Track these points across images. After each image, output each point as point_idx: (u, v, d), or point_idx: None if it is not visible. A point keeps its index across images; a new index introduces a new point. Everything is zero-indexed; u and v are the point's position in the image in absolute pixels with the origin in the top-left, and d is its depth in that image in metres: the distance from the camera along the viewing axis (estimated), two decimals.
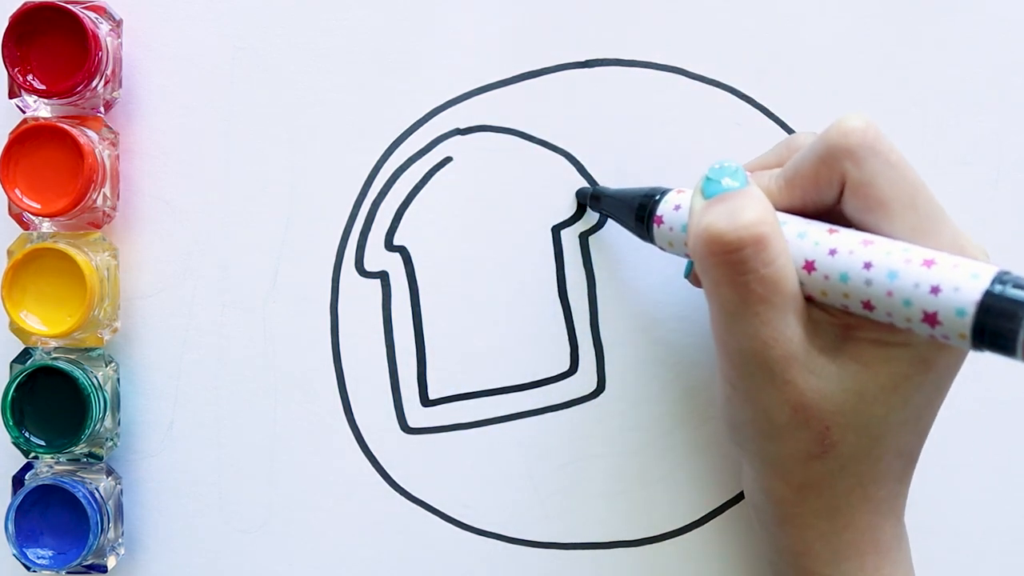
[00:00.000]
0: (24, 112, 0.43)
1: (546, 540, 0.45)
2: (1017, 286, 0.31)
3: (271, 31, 0.45)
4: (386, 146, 0.45)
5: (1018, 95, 0.45)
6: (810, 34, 0.45)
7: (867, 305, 0.33)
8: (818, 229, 0.35)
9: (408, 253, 0.45)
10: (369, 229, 0.45)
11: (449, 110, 0.45)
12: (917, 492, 0.43)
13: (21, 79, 0.42)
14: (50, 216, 0.42)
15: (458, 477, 0.45)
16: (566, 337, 0.45)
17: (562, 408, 0.45)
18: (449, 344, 0.45)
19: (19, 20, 0.42)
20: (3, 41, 0.42)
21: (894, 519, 0.37)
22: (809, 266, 0.34)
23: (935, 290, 0.32)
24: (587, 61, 0.45)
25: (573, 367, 0.45)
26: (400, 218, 0.45)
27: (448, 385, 0.45)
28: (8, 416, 0.42)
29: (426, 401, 0.45)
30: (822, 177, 0.35)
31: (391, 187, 0.45)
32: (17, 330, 0.43)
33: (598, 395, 0.45)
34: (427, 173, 0.45)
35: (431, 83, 0.45)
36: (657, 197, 0.39)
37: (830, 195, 0.35)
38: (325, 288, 0.45)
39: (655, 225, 0.39)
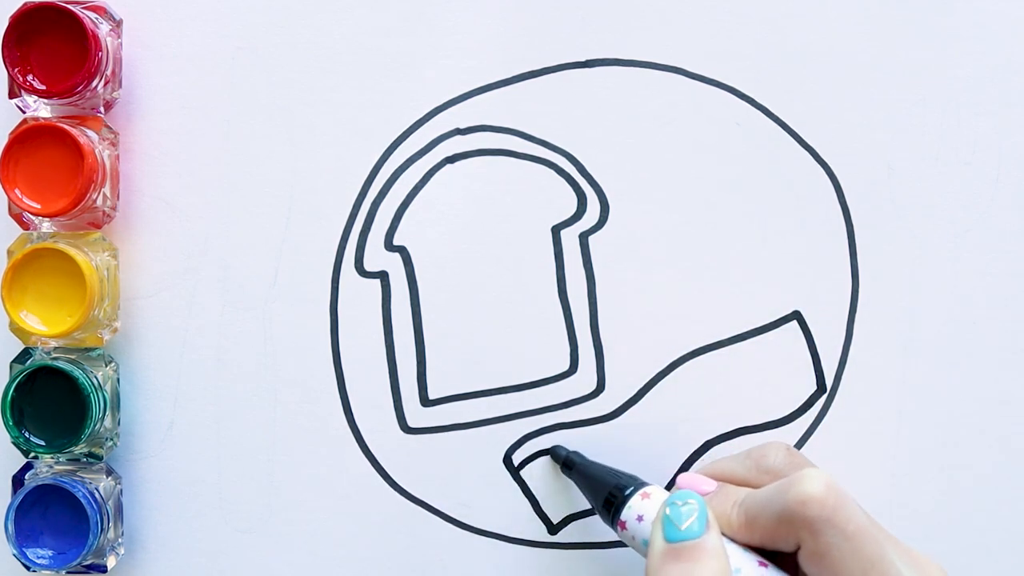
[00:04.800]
0: (24, 112, 0.43)
1: (546, 540, 0.45)
2: None
3: (271, 31, 0.44)
4: (386, 146, 0.45)
5: (1018, 95, 0.45)
6: (810, 34, 0.45)
7: None
8: None
9: (408, 253, 0.45)
10: (369, 229, 0.45)
11: (449, 110, 0.45)
12: (917, 500, 0.43)
13: (21, 79, 0.42)
14: (50, 216, 0.42)
15: (458, 477, 0.45)
16: (566, 337, 0.45)
17: (562, 408, 0.45)
18: (449, 344, 0.45)
19: (19, 20, 0.42)
20: (3, 41, 0.42)
21: None
22: None
23: None
24: (587, 61, 0.45)
25: (573, 367, 0.45)
26: (400, 218, 0.45)
27: (448, 385, 0.45)
28: (8, 416, 0.42)
29: (426, 401, 0.45)
30: (779, 535, 0.36)
31: (391, 187, 0.45)
32: (17, 330, 0.43)
33: (598, 395, 0.45)
34: (427, 173, 0.45)
35: (431, 83, 0.45)
36: (626, 493, 0.40)
37: (786, 547, 0.36)
38: (325, 288, 0.45)
39: (618, 528, 0.40)
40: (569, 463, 0.43)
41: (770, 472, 0.39)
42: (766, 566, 0.37)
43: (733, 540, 0.37)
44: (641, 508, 0.39)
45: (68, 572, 0.43)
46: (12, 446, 0.43)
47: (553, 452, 0.45)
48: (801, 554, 0.35)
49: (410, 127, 0.45)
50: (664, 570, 0.35)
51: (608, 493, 0.40)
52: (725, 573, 0.35)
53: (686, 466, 0.45)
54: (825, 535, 0.34)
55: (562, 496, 0.45)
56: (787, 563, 0.37)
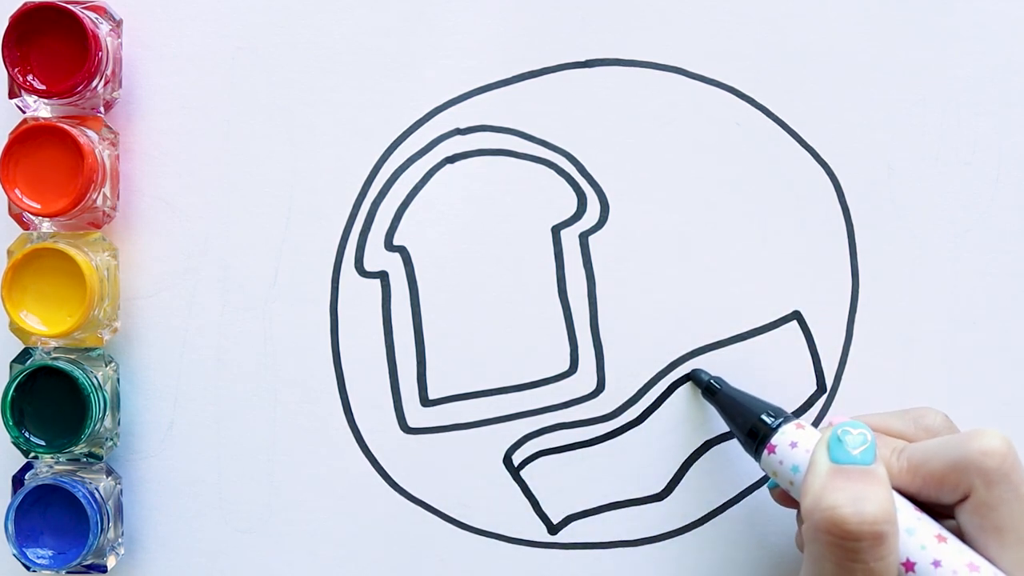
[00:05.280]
0: (24, 112, 0.43)
1: (546, 540, 0.45)
2: None
3: (271, 31, 0.45)
4: (386, 146, 0.45)
5: (1018, 95, 0.45)
6: (810, 34, 0.45)
7: None
8: (927, 531, 0.36)
9: (408, 253, 0.45)
10: (369, 229, 0.45)
11: (449, 110, 0.45)
12: None
13: (21, 79, 0.42)
14: (50, 216, 0.42)
15: (458, 477, 0.45)
16: (565, 337, 0.45)
17: (562, 408, 0.45)
18: (449, 344, 0.45)
19: (19, 20, 0.42)
20: (3, 41, 0.42)
21: None
22: (909, 566, 0.35)
23: None
24: (587, 61, 0.45)
25: (573, 367, 0.45)
26: (400, 218, 0.45)
27: (448, 385, 0.45)
28: (8, 416, 0.42)
29: (426, 401, 0.45)
30: (948, 482, 0.36)
31: (391, 187, 0.45)
32: (17, 330, 0.43)
33: (598, 395, 0.45)
34: (427, 173, 0.45)
35: (431, 83, 0.45)
36: (775, 425, 0.40)
37: (949, 499, 0.36)
38: (325, 288, 0.45)
39: (766, 452, 0.40)
40: (712, 389, 0.43)
41: (929, 430, 0.39)
42: (945, 541, 0.36)
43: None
44: (796, 436, 0.39)
45: (68, 572, 0.43)
46: (12, 446, 0.43)
47: (694, 376, 0.44)
48: (967, 504, 0.35)
49: (410, 127, 0.45)
50: (833, 485, 0.35)
51: (757, 419, 0.40)
52: (891, 503, 0.35)
53: (686, 466, 0.45)
54: (999, 488, 0.35)
55: (562, 496, 0.45)
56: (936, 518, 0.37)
